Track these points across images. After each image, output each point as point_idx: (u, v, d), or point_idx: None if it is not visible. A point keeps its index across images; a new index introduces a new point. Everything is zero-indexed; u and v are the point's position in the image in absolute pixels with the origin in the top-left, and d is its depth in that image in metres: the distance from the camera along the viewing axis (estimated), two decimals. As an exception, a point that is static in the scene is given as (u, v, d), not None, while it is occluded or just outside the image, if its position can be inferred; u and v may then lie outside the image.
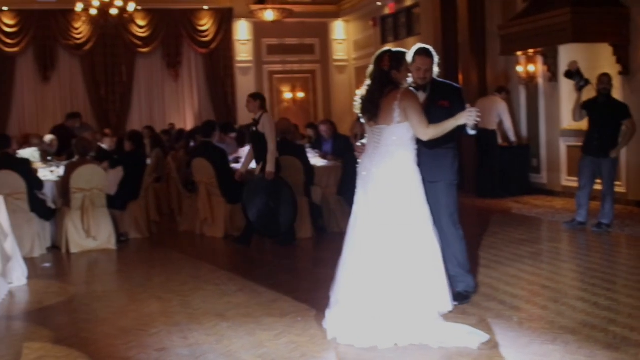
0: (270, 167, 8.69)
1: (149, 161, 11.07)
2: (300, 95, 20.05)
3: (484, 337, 4.91)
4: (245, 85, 19.41)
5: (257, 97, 9.14)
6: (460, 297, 5.75)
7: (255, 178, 9.02)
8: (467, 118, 4.98)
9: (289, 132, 10.10)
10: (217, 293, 6.59)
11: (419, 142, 5.19)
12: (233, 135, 12.18)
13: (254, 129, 8.96)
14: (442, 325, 4.97)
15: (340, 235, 8.89)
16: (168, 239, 9.54)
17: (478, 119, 5.01)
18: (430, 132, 5.06)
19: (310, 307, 5.89)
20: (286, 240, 8.90)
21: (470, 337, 4.88)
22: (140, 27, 18.78)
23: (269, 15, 18.12)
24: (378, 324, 4.89)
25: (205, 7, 19.11)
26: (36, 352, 5.09)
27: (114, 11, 16.37)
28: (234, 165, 10.23)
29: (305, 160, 9.58)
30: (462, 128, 5.22)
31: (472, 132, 5.33)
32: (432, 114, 5.20)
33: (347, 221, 9.09)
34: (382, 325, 4.89)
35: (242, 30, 19.60)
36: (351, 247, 5.20)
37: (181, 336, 5.32)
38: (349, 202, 9.34)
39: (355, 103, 5.30)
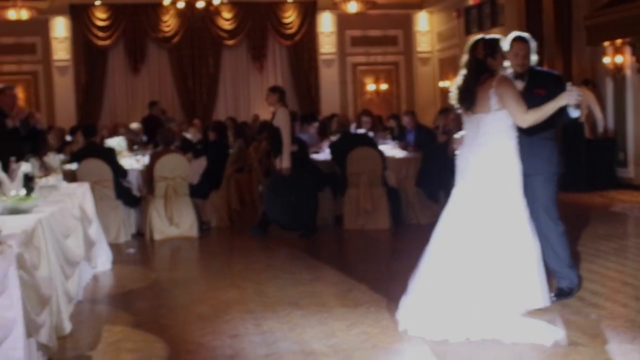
0: (285, 162, 8.73)
1: (231, 151, 11.24)
2: (384, 87, 19.96)
3: (559, 334, 4.79)
4: (328, 77, 19.49)
5: (275, 91, 9.16)
6: (562, 293, 5.61)
7: (274, 173, 9.11)
8: (568, 98, 4.84)
9: (348, 125, 10.20)
10: (292, 282, 6.66)
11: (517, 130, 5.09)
12: (315, 125, 12.22)
13: (270, 122, 9.04)
14: (516, 321, 4.88)
15: (418, 228, 9.02)
16: (248, 227, 9.66)
17: (580, 97, 4.87)
18: (529, 118, 4.94)
19: (384, 298, 5.88)
20: (309, 233, 8.96)
21: (545, 333, 4.76)
22: (226, 20, 19.04)
23: (352, 7, 18.09)
24: (451, 317, 4.85)
25: (290, 0, 19.24)
26: (115, 335, 5.27)
27: (200, 4, 16.64)
28: (315, 156, 10.32)
29: (377, 147, 9.65)
30: (562, 114, 5.06)
31: (575, 114, 5.12)
32: (529, 102, 5.04)
33: (426, 213, 9.21)
34: (455, 318, 4.84)
35: (325, 22, 19.65)
36: (441, 237, 5.11)
37: (255, 323, 5.40)
38: (428, 194, 9.43)
39: (450, 93, 5.23)
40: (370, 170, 9.35)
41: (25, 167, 5.72)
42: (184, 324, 5.49)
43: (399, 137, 11.36)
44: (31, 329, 4.28)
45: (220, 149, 10.18)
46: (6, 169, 5.88)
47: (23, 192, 5.53)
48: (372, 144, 9.77)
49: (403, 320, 5.06)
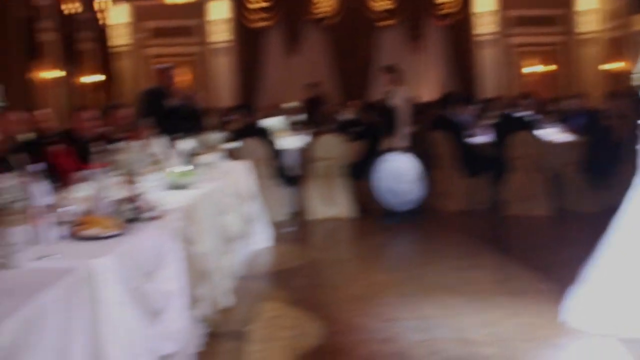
0: (399, 142, 8.43)
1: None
2: (545, 68, 19.15)
3: None
4: (487, 58, 18.91)
5: (390, 70, 8.89)
6: None
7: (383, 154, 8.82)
8: None
9: (513, 106, 9.76)
10: (450, 267, 6.45)
11: None
12: (471, 108, 11.85)
13: (383, 102, 8.78)
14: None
15: (579, 215, 8.57)
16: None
17: None
18: None
19: (545, 288, 5.58)
20: (409, 218, 8.67)
21: None
22: (383, 0, 18.88)
23: (513, -15, 17.46)
24: (626, 313, 4.50)
25: (447, -20, 18.81)
26: (272, 312, 5.31)
27: (358, -15, 16.58)
28: (472, 139, 10.00)
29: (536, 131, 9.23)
30: None
31: None
32: None
33: (588, 200, 8.71)
34: (628, 314, 4.49)
35: (484, 1, 19.07)
36: (624, 227, 4.66)
37: (410, 308, 5.26)
38: (594, 180, 8.91)
39: (634, 75, 4.85)
40: (530, 154, 8.97)
41: (186, 144, 5.84)
42: (338, 304, 5.44)
43: (563, 120, 10.80)
44: (190, 301, 4.36)
45: (377, 130, 10.05)
46: (169, 146, 6.05)
47: (184, 168, 5.65)
48: (532, 127, 9.35)
49: (569, 311, 4.76)
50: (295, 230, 8.68)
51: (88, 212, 3.89)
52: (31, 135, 6.33)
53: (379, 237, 8.11)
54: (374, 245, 7.76)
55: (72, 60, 15.50)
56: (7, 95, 12.09)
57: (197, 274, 4.49)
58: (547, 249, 7.28)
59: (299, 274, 6.51)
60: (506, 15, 19.02)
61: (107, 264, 3.19)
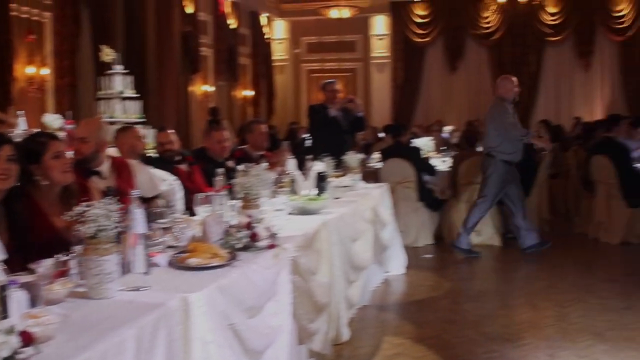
0: None
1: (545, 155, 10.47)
2: None
3: None
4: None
5: None
6: None
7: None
8: None
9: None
10: (600, 308, 5.89)
11: None
12: (640, 131, 10.96)
13: None
14: None
15: None
16: (558, 240, 8.88)
17: None
18: None
19: None
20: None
21: None
22: (551, 15, 18.06)
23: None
24: None
25: (623, -8, 17.71)
26: (394, 348, 4.99)
27: (523, -1, 15.94)
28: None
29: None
30: None
31: None
32: None
33: None
34: None
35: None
36: None
37: (548, 353, 4.81)
38: None
39: None
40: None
41: (318, 165, 5.66)
42: (469, 344, 5.05)
43: None
44: (303, 336, 4.15)
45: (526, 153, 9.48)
46: (303, 168, 5.90)
47: (314, 191, 5.47)
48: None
49: None
50: (435, 257, 8.31)
51: (199, 239, 3.76)
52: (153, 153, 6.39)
53: (524, 269, 7.61)
54: (518, 277, 7.28)
55: (230, 74, 15.90)
56: (166, 106, 12.56)
57: (312, 306, 4.26)
58: None
59: (431, 306, 6.14)
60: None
61: (200, 299, 3.02)
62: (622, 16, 17.82)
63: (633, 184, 8.71)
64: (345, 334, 4.98)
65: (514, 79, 8.16)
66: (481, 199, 8.08)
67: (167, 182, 5.29)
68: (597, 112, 18.10)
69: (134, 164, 5.00)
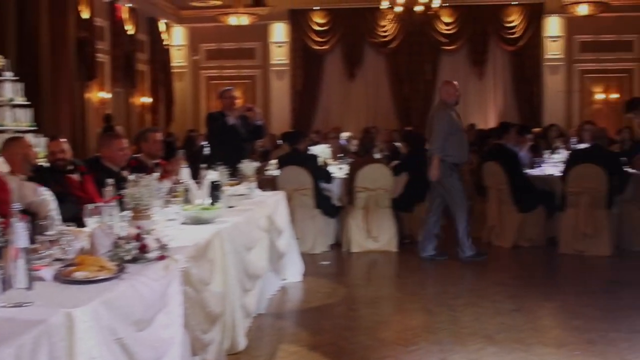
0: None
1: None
2: (614, 96, 18.45)
3: None
4: (553, 84, 18.43)
5: None
6: None
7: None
8: None
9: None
10: (491, 311, 6.05)
11: None
12: (529, 137, 11.34)
13: None
14: None
15: None
16: (455, 244, 9.12)
17: None
18: None
19: (595, 339, 5.13)
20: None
21: None
22: (446, 25, 18.52)
23: (582, 9, 16.87)
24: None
25: (515, 3, 18.33)
26: (290, 356, 4.98)
27: (418, 8, 16.23)
28: (530, 171, 9.54)
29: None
30: None
31: None
32: None
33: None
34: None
35: (552, 26, 18.54)
36: None
37: (440, 357, 4.90)
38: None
39: None
40: (593, 189, 8.42)
41: (212, 174, 5.61)
42: (364, 350, 5.09)
43: (630, 151, 10.19)
44: (197, 347, 4.09)
45: (419, 160, 9.67)
46: (197, 177, 5.83)
47: (208, 200, 5.41)
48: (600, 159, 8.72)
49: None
50: (332, 264, 8.34)
51: (87, 251, 3.66)
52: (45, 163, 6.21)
53: (419, 275, 7.74)
54: (412, 283, 7.37)
55: (128, 80, 15.62)
56: (61, 114, 12.20)
57: (205, 316, 4.21)
58: (603, 294, 6.75)
59: (327, 313, 6.16)
60: (576, 40, 18.54)
61: (85, 313, 2.93)
62: (514, 27, 18.46)
63: (523, 190, 9.00)
64: (242, 343, 4.93)
65: (455, 83, 8.51)
66: (454, 208, 8.19)
67: (37, 192, 5.08)
68: (490, 119, 18.67)
69: (2, 174, 4.83)
